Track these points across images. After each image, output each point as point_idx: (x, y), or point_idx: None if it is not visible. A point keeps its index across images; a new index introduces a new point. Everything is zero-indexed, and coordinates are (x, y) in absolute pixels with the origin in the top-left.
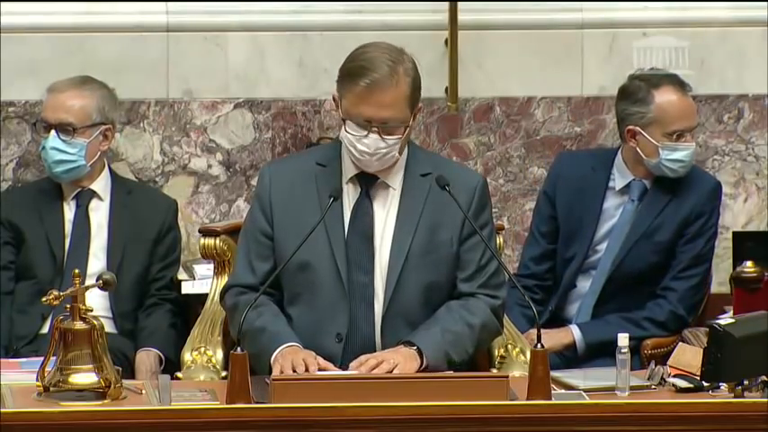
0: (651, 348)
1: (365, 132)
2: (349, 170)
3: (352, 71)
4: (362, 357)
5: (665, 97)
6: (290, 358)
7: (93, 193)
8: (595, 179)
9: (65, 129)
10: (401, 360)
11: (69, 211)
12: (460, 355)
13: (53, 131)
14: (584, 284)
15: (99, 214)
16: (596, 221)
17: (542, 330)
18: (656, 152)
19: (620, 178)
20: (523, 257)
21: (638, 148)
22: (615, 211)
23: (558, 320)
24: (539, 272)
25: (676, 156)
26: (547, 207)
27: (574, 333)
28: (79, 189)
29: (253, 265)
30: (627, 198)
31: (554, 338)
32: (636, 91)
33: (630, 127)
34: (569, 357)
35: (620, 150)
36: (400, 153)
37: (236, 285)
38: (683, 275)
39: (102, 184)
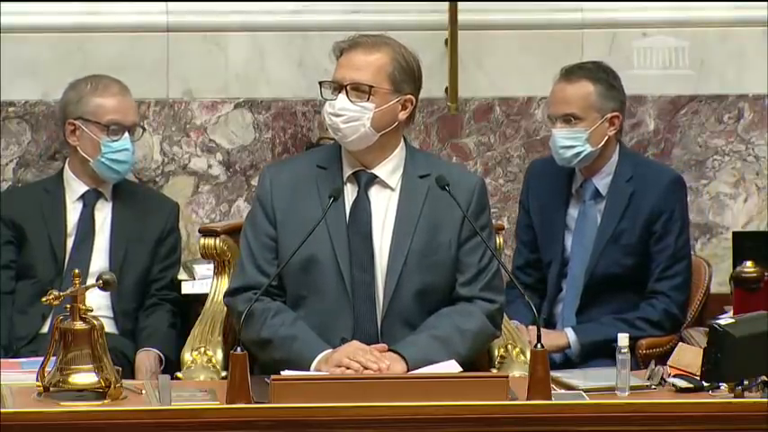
0: (646, 348)
1: (336, 96)
2: (347, 169)
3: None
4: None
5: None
6: (336, 359)
7: (100, 194)
8: (561, 183)
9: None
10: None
11: (73, 211)
12: (450, 359)
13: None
14: None
15: (102, 215)
16: (564, 225)
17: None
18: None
19: (577, 180)
20: (512, 268)
21: None
22: (576, 214)
23: (549, 326)
24: (525, 282)
25: (552, 142)
26: (524, 216)
27: (568, 335)
28: (86, 189)
29: (263, 267)
30: (583, 200)
31: (548, 339)
32: None
33: None
34: (564, 359)
35: None
36: (376, 130)
37: (248, 288)
38: (666, 275)
39: (106, 185)
